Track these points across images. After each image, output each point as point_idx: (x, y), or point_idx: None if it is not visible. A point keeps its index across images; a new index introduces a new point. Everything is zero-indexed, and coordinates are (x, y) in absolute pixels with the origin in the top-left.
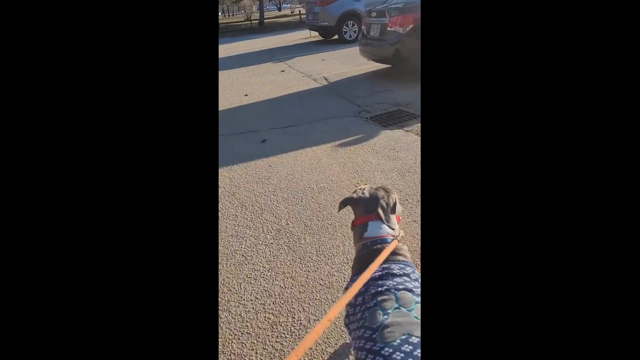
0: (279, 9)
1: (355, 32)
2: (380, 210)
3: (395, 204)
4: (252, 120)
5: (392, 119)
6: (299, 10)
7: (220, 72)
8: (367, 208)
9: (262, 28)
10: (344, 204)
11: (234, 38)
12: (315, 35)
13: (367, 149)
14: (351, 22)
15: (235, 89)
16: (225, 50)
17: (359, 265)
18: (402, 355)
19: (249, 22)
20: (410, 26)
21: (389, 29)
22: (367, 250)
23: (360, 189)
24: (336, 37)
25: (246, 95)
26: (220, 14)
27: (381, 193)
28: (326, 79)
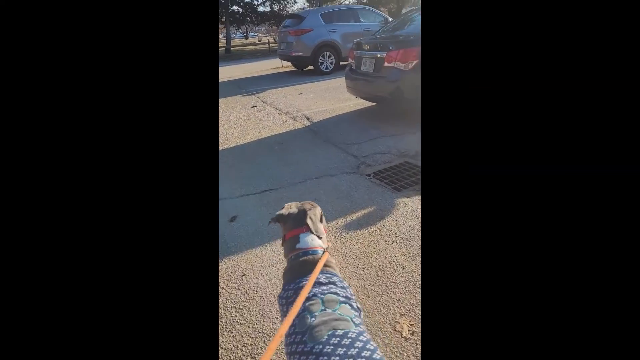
0: (246, 37)
1: (332, 63)
2: (309, 222)
3: (322, 216)
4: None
5: (402, 178)
6: (268, 39)
7: None
8: (296, 222)
9: (229, 56)
10: (275, 220)
11: None
12: (287, 65)
13: (387, 237)
14: (327, 52)
15: None
16: None
17: (290, 275)
18: (332, 347)
19: None
20: (414, 62)
21: (386, 64)
22: (298, 261)
23: (288, 205)
24: (310, 67)
25: None
26: None
27: (308, 206)
28: (307, 118)
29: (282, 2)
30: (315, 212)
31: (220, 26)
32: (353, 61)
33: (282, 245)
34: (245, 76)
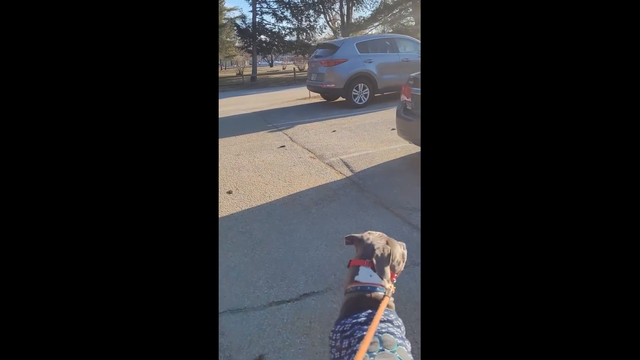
0: (271, 65)
1: (366, 95)
2: (374, 260)
3: (389, 256)
4: (235, 265)
5: None
6: (293, 68)
7: None
8: (364, 253)
9: (255, 84)
10: (349, 239)
11: (223, 93)
12: (315, 96)
13: None
14: (362, 84)
15: None
16: None
17: (347, 310)
18: None
19: (241, 77)
20: None
21: None
22: (355, 295)
23: (370, 232)
24: (341, 99)
25: (229, 192)
26: None
27: (381, 243)
28: (347, 166)
29: (309, 31)
30: (383, 251)
31: (247, 54)
32: (409, 99)
33: (347, 268)
34: (271, 107)
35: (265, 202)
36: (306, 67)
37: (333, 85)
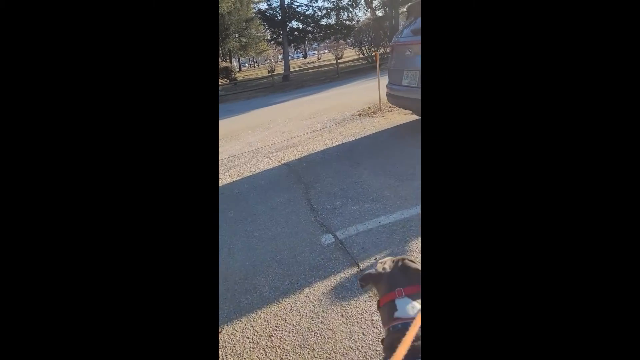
0: (305, 57)
1: None
2: (408, 284)
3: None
4: None
5: None
6: (335, 56)
7: None
8: (391, 282)
9: (287, 84)
10: (364, 280)
11: (246, 102)
12: (390, 107)
13: None
14: None
15: None
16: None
17: (392, 350)
18: None
19: (271, 76)
20: None
21: None
22: (398, 336)
23: (382, 261)
24: None
25: None
26: (246, 65)
27: (407, 263)
28: None
29: (351, 10)
30: (415, 271)
31: (279, 48)
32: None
33: (379, 310)
34: (319, 143)
35: None
36: (346, 56)
37: None
